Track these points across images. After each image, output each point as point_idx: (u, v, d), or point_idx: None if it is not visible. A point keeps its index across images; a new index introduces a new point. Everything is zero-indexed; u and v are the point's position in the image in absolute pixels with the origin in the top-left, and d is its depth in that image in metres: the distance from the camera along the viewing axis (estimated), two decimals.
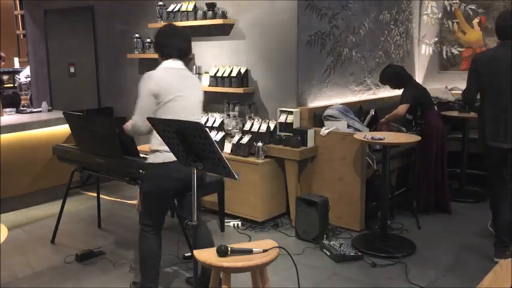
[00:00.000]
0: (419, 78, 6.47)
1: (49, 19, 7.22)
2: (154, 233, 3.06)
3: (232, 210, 4.56)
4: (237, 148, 4.55)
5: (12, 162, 4.90)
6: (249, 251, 2.36)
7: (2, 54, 7.26)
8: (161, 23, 5.20)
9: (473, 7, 6.06)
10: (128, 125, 3.07)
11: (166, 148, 2.80)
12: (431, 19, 6.43)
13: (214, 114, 4.94)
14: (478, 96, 3.75)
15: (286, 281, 3.38)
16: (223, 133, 4.75)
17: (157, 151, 2.90)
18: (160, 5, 5.43)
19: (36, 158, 5.12)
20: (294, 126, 4.51)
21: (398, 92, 4.74)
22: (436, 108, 4.93)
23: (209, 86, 5.04)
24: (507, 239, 3.63)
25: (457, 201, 4.99)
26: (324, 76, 4.95)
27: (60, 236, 4.23)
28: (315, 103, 4.84)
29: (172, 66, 2.99)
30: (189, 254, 3.61)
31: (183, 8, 5.21)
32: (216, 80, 4.98)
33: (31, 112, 5.67)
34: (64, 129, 5.30)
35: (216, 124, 4.81)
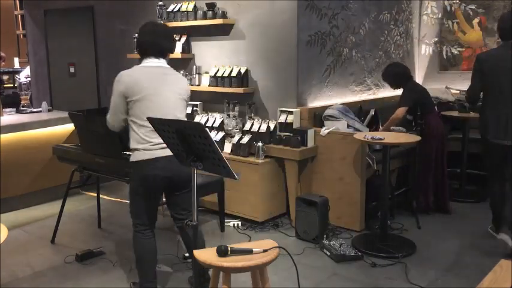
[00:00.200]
0: (419, 78, 6.47)
1: (49, 19, 7.23)
2: (145, 232, 3.05)
3: (232, 210, 4.56)
4: (237, 148, 4.55)
5: (12, 162, 4.90)
6: (249, 251, 2.36)
7: (2, 54, 7.25)
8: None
9: (473, 7, 6.06)
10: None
11: (145, 146, 2.82)
12: (431, 19, 6.42)
13: (214, 114, 4.94)
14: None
15: (286, 281, 3.38)
16: (223, 133, 4.75)
17: (136, 150, 2.91)
18: (160, 5, 5.43)
19: (36, 158, 5.12)
20: (294, 126, 4.51)
21: (398, 92, 4.74)
22: (436, 109, 4.93)
23: (209, 86, 5.05)
24: None
25: (457, 201, 4.98)
26: (324, 76, 4.95)
27: (60, 236, 4.23)
28: (315, 103, 4.84)
29: (147, 64, 2.98)
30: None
31: (183, 8, 5.21)
32: (216, 80, 4.98)
33: (31, 112, 5.66)
34: (64, 129, 5.31)
35: (216, 124, 4.81)
